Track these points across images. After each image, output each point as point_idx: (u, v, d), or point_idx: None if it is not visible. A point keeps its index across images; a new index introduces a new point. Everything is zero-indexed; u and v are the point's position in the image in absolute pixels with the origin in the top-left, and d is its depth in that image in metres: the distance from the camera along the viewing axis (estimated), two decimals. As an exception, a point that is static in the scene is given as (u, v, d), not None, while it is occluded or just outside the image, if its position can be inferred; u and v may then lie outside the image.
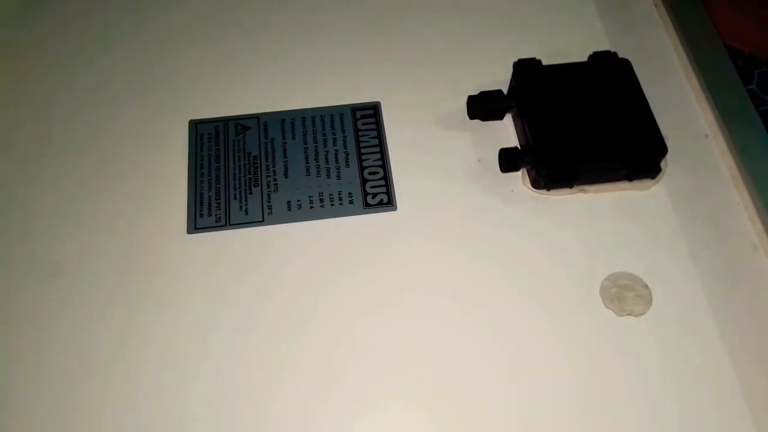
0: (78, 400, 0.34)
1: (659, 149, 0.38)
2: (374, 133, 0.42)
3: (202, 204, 0.40)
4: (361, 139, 0.42)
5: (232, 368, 0.35)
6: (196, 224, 0.39)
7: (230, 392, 0.34)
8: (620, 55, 0.43)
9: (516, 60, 0.42)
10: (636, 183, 0.40)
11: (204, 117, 0.43)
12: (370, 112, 0.43)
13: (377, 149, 0.42)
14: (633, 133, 0.39)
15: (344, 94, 0.44)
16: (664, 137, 0.40)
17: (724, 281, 0.37)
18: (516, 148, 0.40)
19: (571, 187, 0.39)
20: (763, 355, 0.35)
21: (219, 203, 0.40)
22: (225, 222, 0.39)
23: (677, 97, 0.44)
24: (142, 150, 0.42)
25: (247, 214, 0.39)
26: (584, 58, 0.42)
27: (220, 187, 0.40)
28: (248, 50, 0.46)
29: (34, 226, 0.39)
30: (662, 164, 0.40)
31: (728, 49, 0.59)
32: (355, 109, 0.43)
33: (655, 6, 0.48)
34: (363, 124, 0.43)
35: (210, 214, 0.39)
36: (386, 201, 0.40)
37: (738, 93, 0.42)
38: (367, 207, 0.39)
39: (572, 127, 0.39)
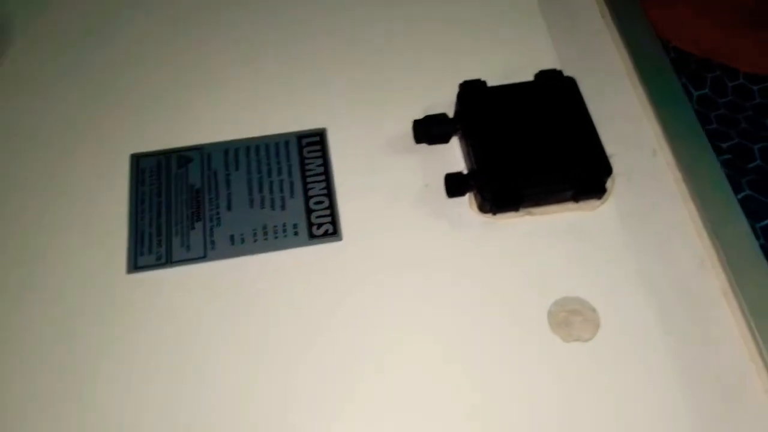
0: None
1: (604, 170, 0.38)
2: (320, 161, 0.42)
3: (142, 242, 0.39)
4: (306, 167, 0.41)
5: (175, 412, 0.34)
6: (136, 263, 0.38)
7: (173, 437, 0.33)
8: (569, 70, 0.43)
9: (461, 82, 0.42)
10: (583, 203, 0.39)
11: (145, 150, 0.42)
12: (316, 138, 0.42)
13: (323, 177, 0.41)
14: (577, 154, 0.38)
15: (290, 121, 0.43)
16: (611, 155, 0.40)
17: (673, 301, 0.37)
18: (461, 173, 0.39)
19: (517, 210, 0.39)
20: (714, 374, 0.35)
21: (160, 240, 0.39)
22: (166, 259, 0.38)
23: (626, 111, 0.44)
24: (81, 187, 0.41)
25: (188, 250, 0.38)
26: (534, 74, 0.42)
27: (161, 223, 0.39)
28: (190, 80, 0.45)
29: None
30: (609, 183, 0.40)
31: (681, 53, 0.59)
32: (300, 136, 0.42)
33: (602, 17, 0.48)
34: (309, 151, 0.42)
35: (151, 252, 0.38)
36: (332, 231, 0.39)
37: (683, 108, 0.42)
38: (313, 238, 0.39)
39: (517, 150, 0.38)
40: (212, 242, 0.39)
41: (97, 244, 0.39)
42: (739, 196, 0.47)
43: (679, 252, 0.39)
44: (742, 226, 0.39)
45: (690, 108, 0.42)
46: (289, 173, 0.41)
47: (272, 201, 0.40)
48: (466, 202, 0.40)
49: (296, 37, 0.47)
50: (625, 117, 0.43)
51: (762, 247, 0.45)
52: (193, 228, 0.39)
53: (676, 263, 0.38)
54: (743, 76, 0.58)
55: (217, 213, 0.40)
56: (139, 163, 0.41)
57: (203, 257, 0.38)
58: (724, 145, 0.53)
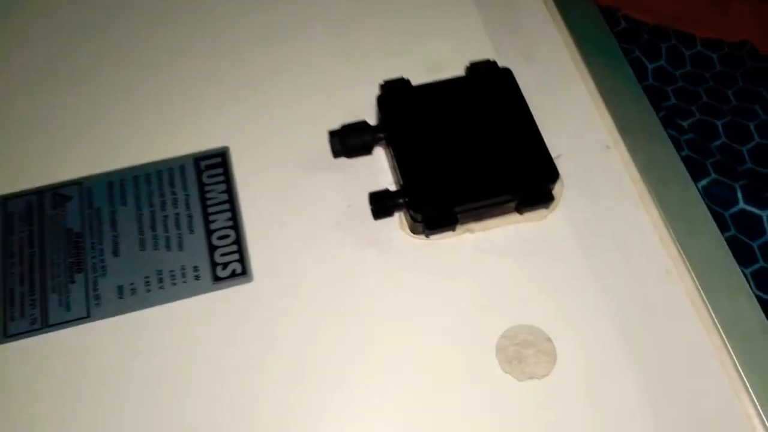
0: None
1: (549, 175, 0.33)
2: (223, 187, 0.35)
3: (12, 303, 0.32)
4: (207, 195, 0.35)
5: None
6: (5, 331, 0.32)
7: None
8: (506, 58, 0.37)
9: (382, 82, 0.36)
10: (528, 214, 0.34)
11: (13, 190, 0.35)
12: (217, 160, 0.36)
13: (227, 206, 0.35)
14: (518, 159, 0.33)
15: (185, 142, 0.37)
16: (558, 156, 0.35)
17: (638, 319, 0.32)
18: (387, 190, 0.34)
19: (453, 229, 0.33)
20: (690, 403, 0.30)
21: (34, 300, 0.32)
22: (42, 323, 0.32)
23: (572, 103, 0.38)
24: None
25: (68, 309, 0.32)
26: (465, 67, 0.36)
27: (35, 279, 0.33)
28: (64, 102, 0.38)
29: None
30: (557, 188, 0.34)
31: (632, 23, 0.54)
32: (198, 158, 0.36)
33: (543, -2, 0.42)
34: (209, 176, 0.36)
35: (23, 316, 0.32)
36: (240, 271, 0.33)
37: (636, 95, 0.37)
38: (218, 281, 0.33)
39: (449, 159, 0.33)
40: (96, 297, 0.32)
41: (-45, 313, 0.32)
42: (705, 182, 0.42)
43: (641, 261, 0.34)
44: (709, 225, 0.34)
45: (644, 95, 0.37)
46: (187, 204, 0.35)
47: (167, 240, 0.34)
48: (396, 223, 0.34)
49: (186, 41, 0.40)
50: (571, 109, 0.38)
51: (732, 239, 0.41)
52: (73, 282, 0.33)
53: (638, 275, 0.33)
54: (701, 43, 0.54)
55: (102, 260, 0.33)
56: (7, 206, 0.35)
57: (86, 317, 0.32)
58: (685, 124, 0.48)
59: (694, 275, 0.33)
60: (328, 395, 0.30)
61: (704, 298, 0.32)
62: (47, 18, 0.41)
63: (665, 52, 0.53)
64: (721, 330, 0.31)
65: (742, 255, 0.39)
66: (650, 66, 0.51)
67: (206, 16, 0.41)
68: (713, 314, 0.32)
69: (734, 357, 0.31)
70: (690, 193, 0.35)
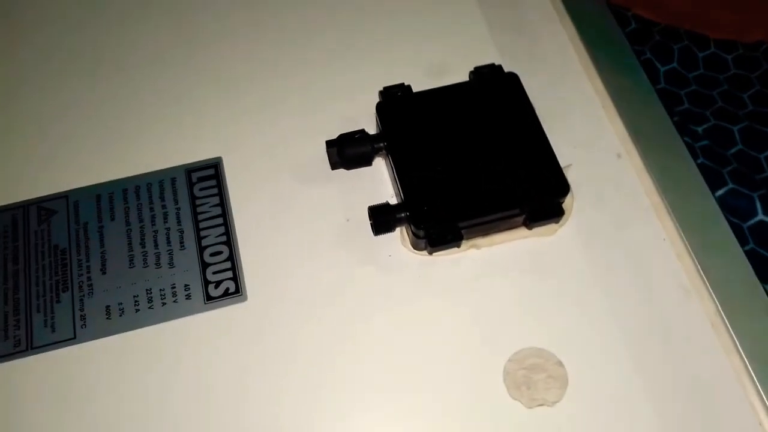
0: None
1: (559, 189, 0.31)
2: (216, 200, 0.34)
3: (-5, 324, 0.31)
4: (198, 209, 0.33)
5: None
6: (-13, 354, 0.30)
7: None
8: (512, 62, 0.35)
9: (381, 89, 0.34)
10: (538, 229, 0.32)
11: (-2, 204, 0.34)
12: (210, 172, 0.35)
13: (220, 221, 0.33)
14: (526, 171, 0.31)
15: (176, 153, 0.35)
16: (567, 166, 0.33)
17: (655, 341, 0.30)
18: (387, 204, 0.32)
19: (458, 245, 0.32)
20: (705, 428, 0.29)
21: (18, 321, 0.31)
22: (26, 346, 0.30)
23: (582, 108, 0.36)
24: None
25: (54, 330, 0.31)
26: (468, 72, 0.35)
27: (19, 299, 0.31)
28: (49, 111, 0.36)
29: None
30: (567, 200, 0.33)
31: (643, 23, 0.52)
32: (190, 170, 0.35)
33: (549, -5, 0.40)
34: (201, 189, 0.34)
35: (7, 337, 0.31)
36: (233, 290, 0.31)
37: (649, 99, 0.35)
38: (210, 301, 0.31)
39: (452, 171, 0.31)
40: (83, 318, 0.31)
41: (-66, 335, 0.31)
42: (721, 192, 0.40)
43: (657, 278, 0.32)
44: (729, 239, 0.32)
45: (657, 100, 0.35)
46: (178, 219, 0.33)
47: (157, 257, 0.32)
48: (398, 238, 0.33)
49: (176, 49, 0.38)
50: (581, 115, 0.36)
51: (751, 252, 0.39)
52: (59, 301, 0.31)
53: (654, 293, 0.31)
54: (714, 44, 0.52)
55: (89, 279, 0.32)
56: (-10, 221, 0.33)
57: (72, 338, 0.30)
58: (699, 129, 0.46)
59: (713, 293, 0.31)
60: (324, 422, 0.29)
61: (724, 317, 0.30)
62: (32, 28, 0.40)
63: (677, 53, 0.51)
64: (742, 352, 0.29)
65: (762, 270, 0.37)
66: (662, 69, 0.49)
67: (197, 24, 0.39)
68: (734, 335, 0.30)
69: (757, 381, 0.29)
70: (708, 204, 0.33)
